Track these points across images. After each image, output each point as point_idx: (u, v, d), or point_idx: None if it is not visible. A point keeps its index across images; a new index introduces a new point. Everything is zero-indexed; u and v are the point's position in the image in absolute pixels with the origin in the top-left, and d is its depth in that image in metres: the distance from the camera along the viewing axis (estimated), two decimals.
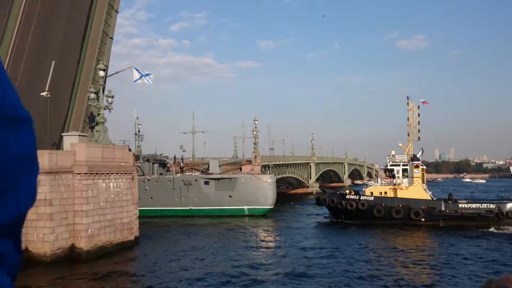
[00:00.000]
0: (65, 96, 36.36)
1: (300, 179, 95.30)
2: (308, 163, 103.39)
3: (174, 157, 66.34)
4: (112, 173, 33.93)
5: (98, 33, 37.90)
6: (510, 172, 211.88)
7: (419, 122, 52.05)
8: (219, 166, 62.48)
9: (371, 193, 50.23)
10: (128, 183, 36.06)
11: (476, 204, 47.99)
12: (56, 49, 35.99)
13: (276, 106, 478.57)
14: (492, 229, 43.40)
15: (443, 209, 46.63)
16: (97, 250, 31.23)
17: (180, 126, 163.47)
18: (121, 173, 35.16)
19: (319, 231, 45.75)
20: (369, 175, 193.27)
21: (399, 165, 50.43)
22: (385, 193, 49.86)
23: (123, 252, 33.11)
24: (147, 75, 38.39)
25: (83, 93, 36.68)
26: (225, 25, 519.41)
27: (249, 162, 70.68)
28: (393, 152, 53.48)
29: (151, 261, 30.66)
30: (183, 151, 66.52)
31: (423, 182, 49.91)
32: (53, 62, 33.68)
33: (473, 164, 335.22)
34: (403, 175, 50.03)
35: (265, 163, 75.79)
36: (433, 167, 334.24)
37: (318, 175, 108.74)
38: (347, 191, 53.76)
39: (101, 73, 35.77)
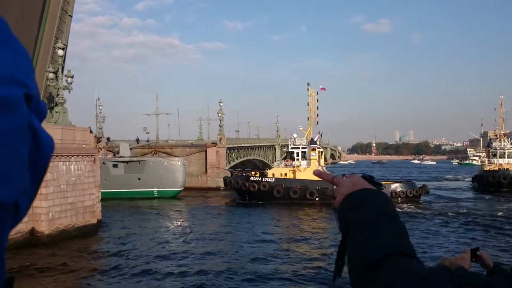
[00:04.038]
0: None
1: (265, 161, 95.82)
2: (273, 145, 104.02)
3: (137, 139, 65.46)
4: (73, 155, 33.19)
5: (56, 10, 36.56)
6: (467, 154, 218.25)
7: (318, 107, 55.72)
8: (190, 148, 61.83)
9: (273, 174, 52.77)
10: (90, 165, 35.39)
11: None
12: (11, 27, 34.19)
13: (243, 88, 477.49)
14: None
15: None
16: (59, 234, 30.64)
17: (145, 108, 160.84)
18: (83, 156, 34.44)
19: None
20: (332, 157, 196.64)
21: (298, 148, 53.26)
22: (285, 174, 52.29)
23: (86, 236, 32.63)
24: None
25: (41, 72, 35.46)
26: (191, 4, 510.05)
27: (214, 144, 70.58)
28: (295, 135, 56.70)
29: (114, 243, 30.40)
30: (146, 133, 65.67)
31: (320, 164, 53.18)
32: None
33: (432, 146, 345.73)
34: (302, 157, 52.57)
35: (231, 146, 75.75)
36: (394, 149, 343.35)
37: (282, 157, 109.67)
38: (252, 173, 55.94)
39: (60, 52, 34.65)
